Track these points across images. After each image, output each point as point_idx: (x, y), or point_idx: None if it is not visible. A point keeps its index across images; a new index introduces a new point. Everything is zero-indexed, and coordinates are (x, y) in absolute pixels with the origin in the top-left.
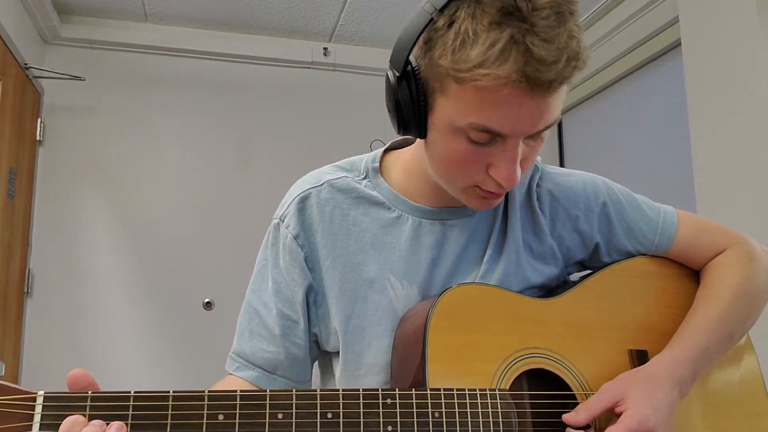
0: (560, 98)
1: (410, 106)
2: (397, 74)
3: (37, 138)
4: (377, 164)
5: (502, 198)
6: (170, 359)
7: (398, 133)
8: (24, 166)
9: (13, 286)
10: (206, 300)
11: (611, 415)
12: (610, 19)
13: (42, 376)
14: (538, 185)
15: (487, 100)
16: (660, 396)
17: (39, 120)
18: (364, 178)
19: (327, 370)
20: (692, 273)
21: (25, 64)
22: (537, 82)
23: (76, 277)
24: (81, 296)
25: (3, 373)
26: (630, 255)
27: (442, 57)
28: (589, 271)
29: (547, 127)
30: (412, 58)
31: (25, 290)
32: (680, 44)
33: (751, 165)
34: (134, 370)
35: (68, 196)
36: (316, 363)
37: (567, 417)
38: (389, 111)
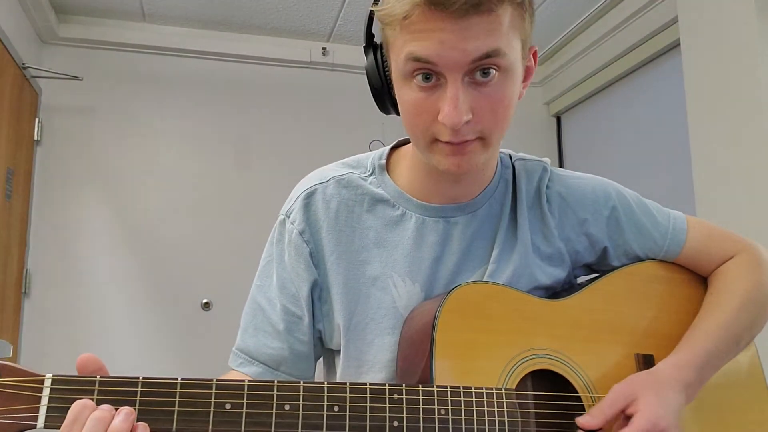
0: (493, 25)
1: (376, 75)
2: (364, 45)
3: (35, 138)
4: (384, 161)
5: (507, 196)
6: (169, 360)
7: (380, 109)
8: (21, 166)
9: (11, 286)
10: (204, 300)
11: (620, 416)
12: (609, 19)
13: None
14: (547, 187)
15: (408, 29)
16: (670, 398)
17: (36, 120)
18: (370, 175)
19: (330, 368)
20: (700, 279)
21: (23, 63)
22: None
23: (74, 278)
24: (79, 296)
25: (10, 355)
26: (639, 259)
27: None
28: (597, 274)
29: (486, 58)
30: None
31: (23, 290)
32: (679, 44)
33: (749, 164)
34: (133, 370)
35: (66, 196)
36: (320, 362)
37: (581, 420)
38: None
